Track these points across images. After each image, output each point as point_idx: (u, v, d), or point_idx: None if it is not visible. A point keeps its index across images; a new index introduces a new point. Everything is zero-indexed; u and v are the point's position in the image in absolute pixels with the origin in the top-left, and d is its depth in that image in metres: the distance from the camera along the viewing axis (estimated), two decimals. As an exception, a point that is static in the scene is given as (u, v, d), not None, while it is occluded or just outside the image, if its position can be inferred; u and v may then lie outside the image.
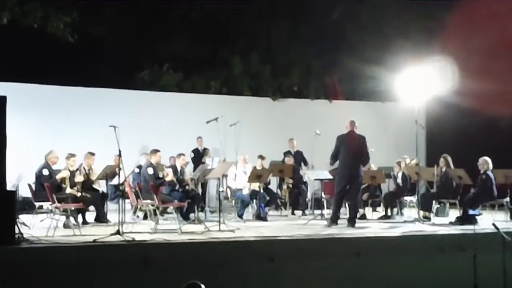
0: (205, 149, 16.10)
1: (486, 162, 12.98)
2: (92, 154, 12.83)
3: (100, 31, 18.70)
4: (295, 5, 19.73)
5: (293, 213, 15.14)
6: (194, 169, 14.88)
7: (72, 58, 17.26)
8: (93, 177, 12.71)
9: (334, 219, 12.21)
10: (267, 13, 20.00)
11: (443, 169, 13.41)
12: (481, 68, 15.94)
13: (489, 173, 12.90)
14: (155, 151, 12.83)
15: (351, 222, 12.14)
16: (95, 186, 12.92)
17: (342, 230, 11.69)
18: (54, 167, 12.14)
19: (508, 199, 13.13)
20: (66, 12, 17.35)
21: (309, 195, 15.48)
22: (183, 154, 13.91)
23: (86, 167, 12.68)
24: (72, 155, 12.39)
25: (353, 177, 12.25)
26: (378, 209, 14.96)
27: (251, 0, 19.59)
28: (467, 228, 11.35)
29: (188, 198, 12.93)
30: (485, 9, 16.00)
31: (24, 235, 9.48)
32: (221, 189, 12.98)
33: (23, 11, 16.72)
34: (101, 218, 12.51)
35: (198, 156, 15.91)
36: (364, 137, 12.47)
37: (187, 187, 13.26)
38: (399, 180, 14.36)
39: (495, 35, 15.96)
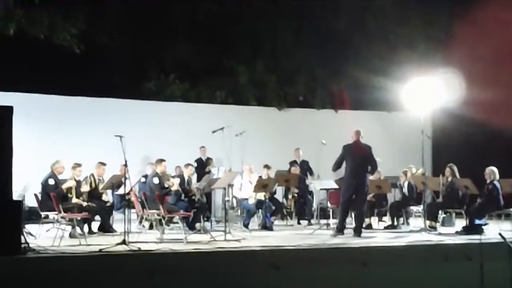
0: (208, 158, 16.12)
1: (492, 172, 12.95)
2: (103, 164, 12.86)
3: (106, 41, 18.76)
4: (300, 12, 19.77)
5: (298, 223, 15.13)
6: (198, 178, 14.88)
7: (78, 68, 17.30)
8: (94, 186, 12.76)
9: (340, 229, 12.19)
10: (272, 20, 20.03)
11: (449, 179, 13.38)
12: (487, 78, 15.93)
13: (496, 182, 12.86)
14: (160, 160, 12.84)
15: (357, 231, 12.12)
16: (103, 197, 12.97)
17: (348, 239, 11.67)
18: (60, 177, 12.16)
19: (514, 208, 13.12)
20: (73, 23, 17.43)
21: (314, 205, 15.48)
22: (190, 164, 13.91)
23: (97, 177, 12.71)
24: (78, 165, 12.42)
25: (359, 186, 12.23)
26: (384, 218, 14.93)
27: (255, 7, 19.63)
28: (473, 238, 11.29)
29: (194, 208, 12.93)
30: (491, 18, 16.00)
31: (30, 245, 9.47)
32: (226, 198, 12.99)
33: (30, 21, 16.79)
34: (106, 227, 12.53)
35: (201, 166, 15.91)
36: (370, 146, 12.47)
37: (193, 197, 13.26)
38: (405, 190, 14.34)
39: (501, 44, 15.95)
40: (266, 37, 20.00)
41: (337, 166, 12.48)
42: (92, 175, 12.74)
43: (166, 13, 19.28)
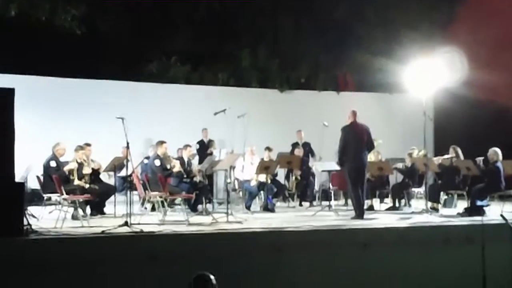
0: (210, 140, 16.09)
1: (495, 153, 12.88)
2: (88, 145, 12.79)
3: (107, 24, 18.70)
4: (300, 2, 19.69)
5: (300, 205, 15.17)
6: (200, 160, 14.89)
7: (79, 50, 17.26)
8: (95, 167, 12.72)
9: (360, 213, 12.04)
10: (273, 7, 19.96)
11: (453, 160, 13.36)
12: (489, 59, 15.88)
13: (498, 164, 12.83)
14: (161, 142, 12.80)
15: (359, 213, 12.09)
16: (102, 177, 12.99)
17: (349, 221, 11.70)
18: (62, 159, 12.16)
19: (516, 190, 13.11)
20: (74, 5, 17.36)
21: (316, 187, 15.49)
22: (189, 145, 13.90)
23: (85, 158, 12.65)
24: (81, 148, 12.41)
25: (364, 167, 12.24)
26: (386, 200, 14.94)
27: (256, 1, 19.57)
28: (475, 219, 11.31)
29: (196, 190, 12.94)
30: (493, 0, 15.95)
31: (33, 227, 9.54)
32: (228, 180, 13.00)
33: (31, 3, 16.73)
34: (97, 208, 12.50)
35: (204, 148, 15.92)
36: (367, 126, 12.42)
37: (194, 179, 13.26)
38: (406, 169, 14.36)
39: (504, 26, 15.89)
40: (267, 29, 19.93)
41: (343, 151, 12.25)
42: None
43: (169, 7, 19.20)
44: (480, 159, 12.91)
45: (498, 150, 12.92)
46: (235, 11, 19.63)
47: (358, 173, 12.18)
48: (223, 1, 19.34)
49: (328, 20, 19.29)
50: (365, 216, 12.05)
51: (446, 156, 13.62)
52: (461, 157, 13.33)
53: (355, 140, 12.19)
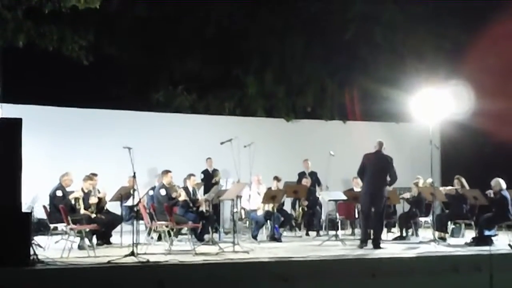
0: (214, 169, 16.08)
1: (498, 183, 12.86)
2: (95, 175, 12.82)
3: (114, 53, 18.80)
4: (308, 24, 19.78)
5: (307, 234, 15.10)
6: (205, 190, 14.87)
7: (87, 80, 17.34)
8: (100, 197, 12.72)
9: (363, 239, 12.12)
10: (281, 32, 20.06)
11: (459, 190, 13.33)
12: (495, 89, 15.92)
13: (504, 193, 12.78)
14: (166, 171, 12.84)
15: (374, 243, 12.01)
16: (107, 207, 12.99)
17: (357, 251, 11.65)
18: (68, 189, 12.17)
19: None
20: (82, 35, 17.47)
21: (323, 216, 15.44)
22: (193, 175, 13.86)
23: (92, 188, 12.66)
24: (89, 178, 12.43)
25: (375, 197, 12.17)
26: (393, 229, 14.88)
27: (264, 22, 19.66)
28: (483, 249, 11.24)
29: (203, 219, 12.92)
30: (500, 30, 16.00)
31: (39, 257, 9.50)
32: (235, 210, 12.96)
33: (39, 34, 16.84)
34: (103, 238, 12.49)
35: (208, 177, 15.90)
36: (390, 157, 12.42)
37: (201, 208, 13.24)
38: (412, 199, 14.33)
39: (510, 55, 15.95)
40: (275, 49, 20.01)
41: (360, 174, 12.59)
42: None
43: (176, 27, 19.31)
44: (490, 192, 12.87)
45: (500, 179, 12.88)
46: (244, 32, 19.71)
47: (370, 199, 12.24)
48: (231, 26, 19.44)
49: (336, 43, 19.33)
50: (370, 246, 12.00)
51: (451, 187, 13.59)
52: (466, 187, 13.30)
53: (371, 168, 12.28)
